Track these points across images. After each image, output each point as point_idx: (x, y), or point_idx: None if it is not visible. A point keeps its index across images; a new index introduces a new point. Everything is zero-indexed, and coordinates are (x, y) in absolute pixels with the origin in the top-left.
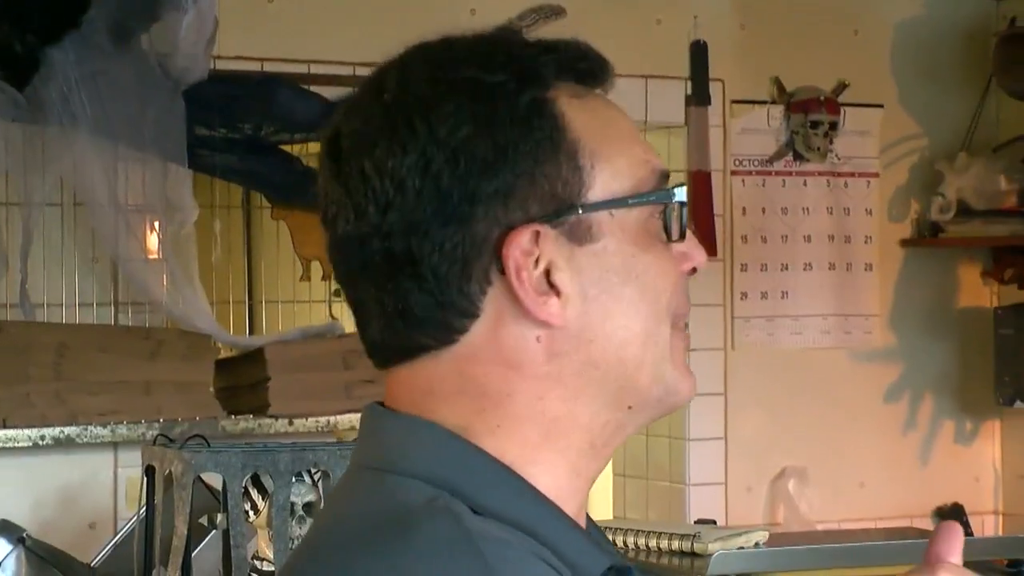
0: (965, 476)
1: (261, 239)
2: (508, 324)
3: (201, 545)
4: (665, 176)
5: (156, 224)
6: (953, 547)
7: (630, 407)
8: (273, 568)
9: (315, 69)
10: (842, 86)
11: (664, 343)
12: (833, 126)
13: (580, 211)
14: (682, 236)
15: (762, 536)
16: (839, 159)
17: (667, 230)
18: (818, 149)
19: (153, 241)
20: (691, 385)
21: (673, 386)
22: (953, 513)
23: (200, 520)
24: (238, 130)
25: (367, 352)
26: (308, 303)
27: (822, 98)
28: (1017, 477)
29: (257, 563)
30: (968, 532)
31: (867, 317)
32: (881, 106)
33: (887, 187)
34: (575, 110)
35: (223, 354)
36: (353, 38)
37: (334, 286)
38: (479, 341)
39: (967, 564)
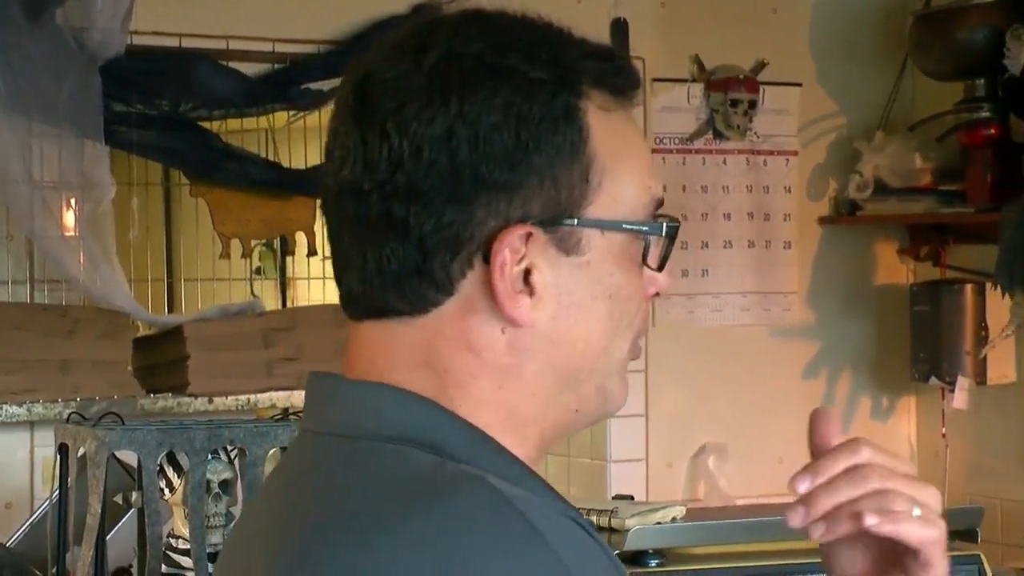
0: None
1: (180, 217)
2: (478, 310)
3: (119, 525)
4: (660, 203)
5: (72, 201)
6: (833, 431)
7: (576, 410)
8: (188, 546)
9: (234, 45)
10: (761, 65)
11: (617, 358)
12: (752, 104)
13: (575, 223)
14: (661, 268)
15: (679, 511)
16: (758, 137)
17: (645, 257)
18: (738, 127)
19: (70, 219)
20: (625, 397)
21: (612, 398)
22: None
23: (115, 499)
24: (156, 106)
25: (341, 300)
26: (228, 281)
27: (741, 77)
28: (931, 453)
29: (172, 541)
30: None
31: (786, 294)
32: (800, 85)
33: (805, 165)
34: (600, 124)
35: (142, 332)
36: (272, 14)
37: (255, 264)
38: (447, 318)
39: None
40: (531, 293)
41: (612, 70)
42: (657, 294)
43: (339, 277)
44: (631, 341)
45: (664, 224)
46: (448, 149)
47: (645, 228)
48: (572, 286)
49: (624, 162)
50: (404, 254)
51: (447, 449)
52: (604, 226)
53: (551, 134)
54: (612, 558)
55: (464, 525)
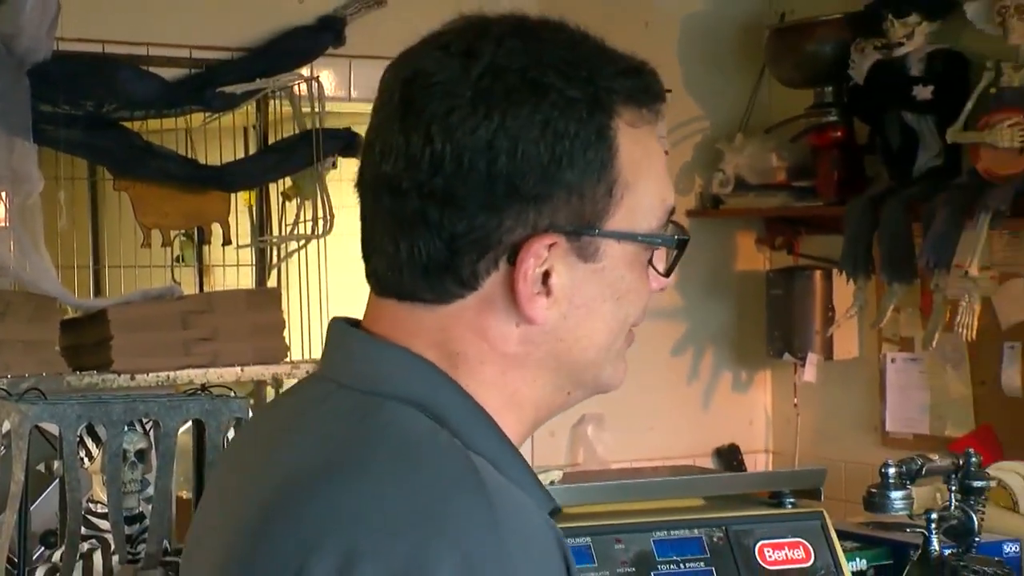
0: (740, 420)
1: (105, 209)
2: (497, 306)
3: (46, 492)
4: (672, 211)
5: (3, 195)
6: None
7: (569, 393)
8: (106, 510)
9: (153, 51)
10: None
11: (616, 350)
12: None
13: (596, 233)
14: (668, 274)
15: (557, 475)
16: None
17: (651, 259)
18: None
19: (0, 211)
20: (622, 378)
21: (606, 382)
22: (730, 452)
23: (39, 467)
24: (81, 107)
25: (367, 277)
26: (149, 268)
27: None
28: (785, 421)
29: (92, 506)
30: (743, 468)
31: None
32: (669, 91)
33: (675, 164)
34: (628, 140)
35: (69, 315)
36: (189, 22)
37: (176, 253)
38: (467, 310)
39: (740, 497)
40: (548, 294)
41: (642, 87)
42: (662, 289)
43: (367, 256)
44: (629, 332)
45: (675, 236)
46: (487, 159)
47: (658, 240)
48: (585, 289)
49: (645, 176)
50: (435, 250)
51: (447, 421)
52: (622, 237)
53: (583, 151)
54: (571, 567)
55: (433, 484)
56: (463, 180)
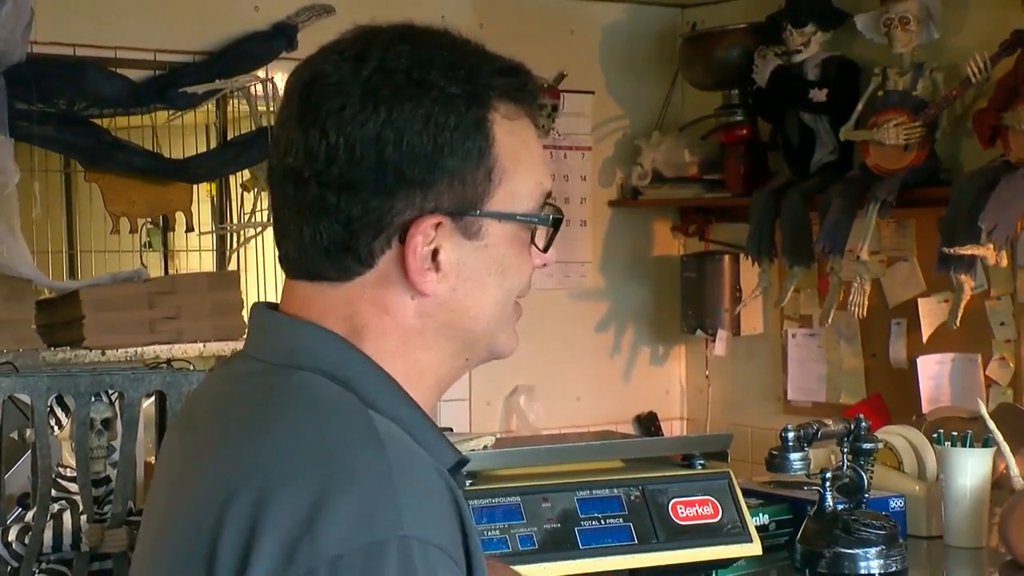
0: (658, 390)
1: (78, 198)
2: (393, 281)
3: (23, 459)
4: (549, 194)
5: None
6: None
7: (467, 359)
8: (75, 474)
9: (120, 54)
10: (561, 76)
11: (505, 319)
12: (555, 108)
13: (478, 214)
14: (546, 249)
15: (490, 440)
16: (560, 135)
17: (533, 238)
18: (543, 127)
19: None
20: (514, 346)
21: (500, 348)
22: (648, 419)
23: (12, 435)
24: (54, 105)
25: (280, 261)
26: (118, 252)
27: (545, 86)
28: (697, 390)
29: (61, 470)
30: (660, 434)
31: (582, 264)
32: (592, 93)
33: (597, 159)
34: (505, 132)
35: (44, 296)
36: (153, 27)
37: (145, 239)
38: (367, 286)
39: (655, 459)
40: (437, 269)
41: (517, 85)
42: (544, 265)
43: (279, 242)
44: (516, 304)
45: (550, 216)
46: (376, 149)
47: (535, 219)
48: (471, 264)
49: (522, 163)
50: (334, 232)
51: (352, 386)
52: (501, 217)
53: (463, 141)
54: (465, 515)
55: (333, 436)
56: (356, 168)
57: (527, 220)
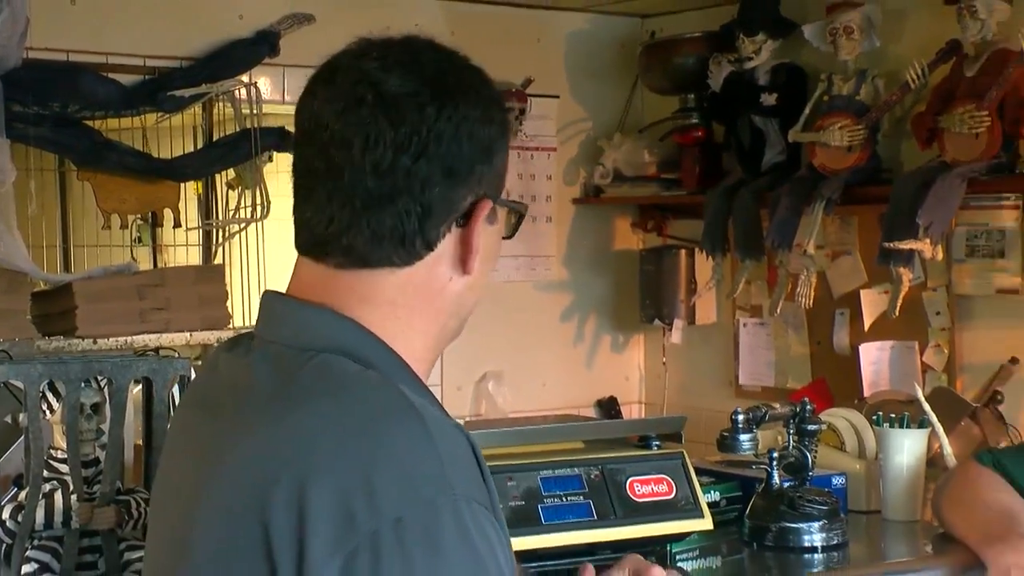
0: (618, 376)
1: (72, 196)
2: (444, 263)
3: (18, 442)
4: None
5: None
6: None
7: (453, 334)
8: (65, 456)
9: (112, 59)
10: (528, 81)
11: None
12: (522, 111)
13: (503, 201)
14: (512, 235)
15: (460, 423)
16: (527, 137)
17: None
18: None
19: None
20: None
21: (457, 335)
22: (609, 403)
23: (6, 419)
24: (48, 108)
25: (313, 251)
26: (109, 247)
27: (514, 90)
28: (655, 376)
29: (53, 452)
30: (620, 417)
31: (547, 257)
32: (558, 97)
33: (562, 159)
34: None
35: (39, 288)
36: (143, 34)
37: (136, 234)
38: (423, 269)
39: (614, 440)
40: (477, 251)
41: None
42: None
43: (324, 239)
44: None
45: (523, 205)
46: (456, 141)
47: (517, 207)
48: (488, 247)
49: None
50: (409, 220)
51: (372, 363)
52: (507, 205)
53: (501, 134)
54: (486, 473)
55: (371, 409)
56: (439, 159)
57: (515, 208)
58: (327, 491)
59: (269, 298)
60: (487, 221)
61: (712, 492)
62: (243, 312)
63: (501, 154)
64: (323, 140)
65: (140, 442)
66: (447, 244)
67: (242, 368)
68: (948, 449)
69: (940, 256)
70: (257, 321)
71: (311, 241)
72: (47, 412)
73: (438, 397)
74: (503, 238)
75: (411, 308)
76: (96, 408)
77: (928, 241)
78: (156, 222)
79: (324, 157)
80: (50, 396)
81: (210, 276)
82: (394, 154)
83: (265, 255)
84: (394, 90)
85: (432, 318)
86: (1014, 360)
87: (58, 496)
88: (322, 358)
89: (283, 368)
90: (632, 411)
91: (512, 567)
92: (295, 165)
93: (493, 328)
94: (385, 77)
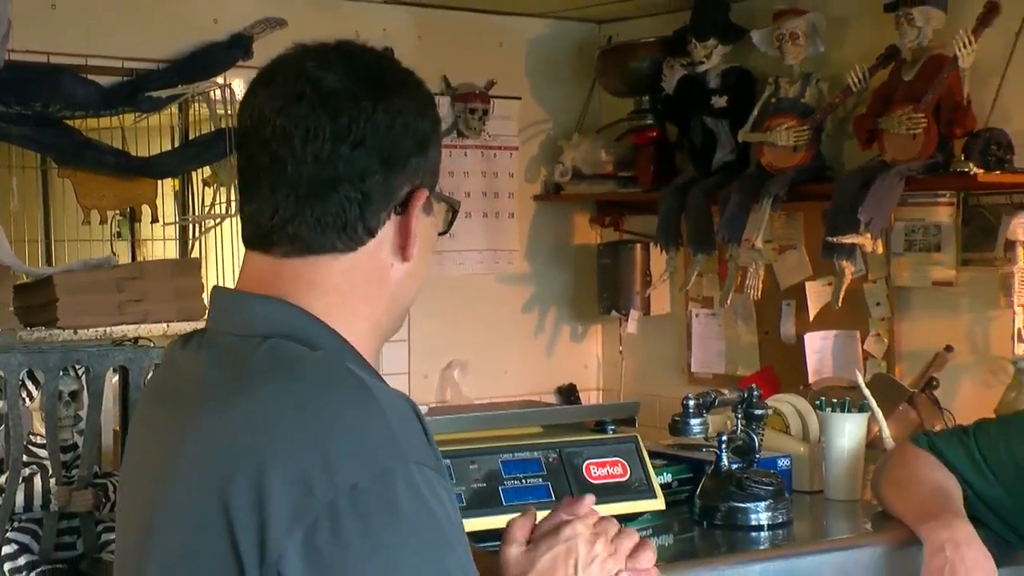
0: (577, 364)
1: (54, 192)
2: (385, 250)
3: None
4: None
5: None
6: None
7: (397, 323)
8: (44, 441)
9: (91, 62)
10: (491, 83)
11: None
12: (485, 112)
13: (438, 193)
14: (447, 231)
15: (423, 409)
16: (490, 136)
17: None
18: (475, 129)
19: None
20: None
21: (401, 323)
22: (569, 390)
23: None
24: (30, 108)
25: (258, 243)
26: (89, 241)
27: (477, 92)
28: (612, 364)
29: (33, 438)
30: (579, 402)
31: (510, 251)
32: (519, 98)
33: (524, 157)
34: None
35: (22, 281)
36: (121, 38)
37: (116, 229)
38: (366, 255)
39: (571, 425)
40: (415, 238)
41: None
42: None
43: (269, 229)
44: None
45: (457, 201)
46: (392, 131)
47: (455, 203)
48: (424, 237)
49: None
50: (352, 207)
51: (319, 346)
52: (442, 198)
53: (435, 129)
54: (430, 436)
55: (321, 387)
56: (376, 148)
57: (450, 202)
58: (285, 468)
59: (218, 293)
60: (423, 211)
61: (664, 474)
62: None
63: (435, 149)
64: (265, 136)
65: (117, 428)
66: (387, 231)
67: (197, 360)
68: (887, 432)
69: (880, 250)
70: (208, 315)
71: (257, 233)
72: (27, 399)
73: (405, 385)
74: (439, 234)
75: (355, 293)
76: (74, 395)
77: (869, 236)
78: (134, 218)
79: (267, 151)
80: (30, 384)
81: (186, 269)
82: (333, 144)
83: (239, 249)
84: (332, 86)
85: (375, 303)
86: (949, 348)
87: (37, 480)
88: (271, 344)
89: (235, 356)
90: (590, 397)
91: (463, 528)
92: (239, 163)
93: (458, 319)
94: (323, 75)
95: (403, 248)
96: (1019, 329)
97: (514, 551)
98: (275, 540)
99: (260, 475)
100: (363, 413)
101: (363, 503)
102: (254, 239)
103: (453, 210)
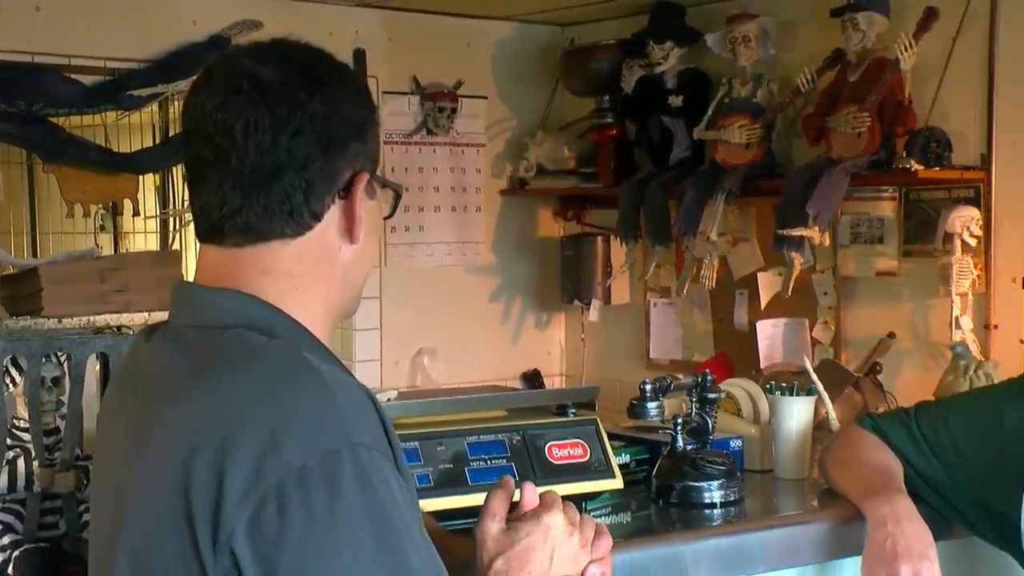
0: (541, 351)
1: (39, 187)
2: (332, 233)
3: None
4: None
5: None
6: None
7: (349, 309)
8: (27, 426)
9: (74, 61)
10: (460, 83)
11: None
12: (454, 111)
13: (380, 178)
14: (391, 215)
15: (393, 393)
16: (458, 134)
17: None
18: (443, 127)
19: None
20: (357, 308)
21: (356, 305)
22: (533, 375)
23: None
24: (15, 106)
25: (211, 235)
26: (73, 234)
27: (446, 91)
28: (575, 351)
29: (16, 422)
30: (543, 387)
31: (477, 244)
32: (486, 97)
33: (490, 154)
34: None
35: (8, 272)
36: (103, 38)
37: (99, 222)
38: (313, 240)
39: (534, 408)
40: (359, 220)
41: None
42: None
43: (220, 221)
44: None
45: (401, 187)
46: (328, 120)
47: (398, 188)
48: (369, 221)
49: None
50: (296, 193)
51: (275, 333)
52: (384, 182)
53: (373, 116)
54: (390, 432)
55: (276, 374)
56: (316, 136)
57: (394, 187)
58: (241, 452)
59: (178, 287)
60: (366, 195)
61: (623, 455)
62: None
63: (373, 134)
64: (208, 131)
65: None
66: (332, 215)
67: (159, 352)
68: (833, 414)
69: (827, 242)
70: (170, 309)
71: (209, 227)
72: (10, 385)
73: (377, 371)
74: (384, 217)
75: (307, 277)
76: (56, 381)
77: (817, 229)
78: (117, 211)
79: (211, 146)
80: (13, 370)
81: (167, 260)
82: (273, 135)
83: None
84: (268, 79)
85: (328, 286)
86: (891, 335)
87: (21, 462)
88: (230, 333)
89: (195, 347)
90: (554, 383)
91: (416, 515)
92: (186, 160)
93: (428, 308)
94: (259, 70)
95: (349, 231)
96: (956, 317)
97: (494, 527)
98: (227, 519)
99: (219, 458)
100: (314, 399)
101: (309, 483)
102: (206, 232)
103: (397, 195)
